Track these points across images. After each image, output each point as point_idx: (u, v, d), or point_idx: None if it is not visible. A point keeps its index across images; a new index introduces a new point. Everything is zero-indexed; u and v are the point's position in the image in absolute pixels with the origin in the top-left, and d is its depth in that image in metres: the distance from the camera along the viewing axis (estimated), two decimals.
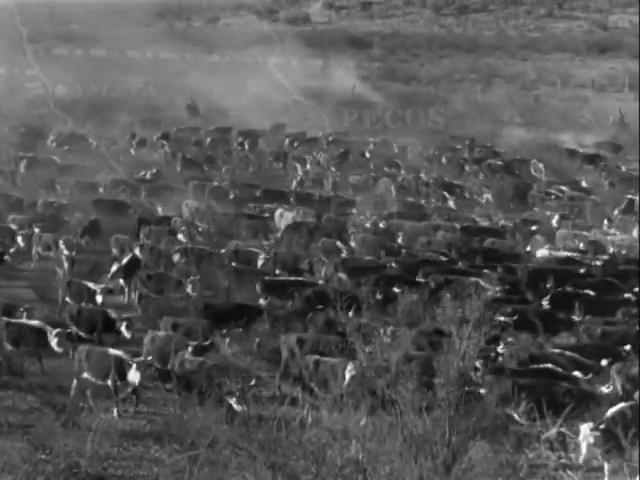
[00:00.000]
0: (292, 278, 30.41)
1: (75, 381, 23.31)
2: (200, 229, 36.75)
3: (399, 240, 35.79)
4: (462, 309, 19.87)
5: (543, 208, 42.23)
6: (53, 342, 24.43)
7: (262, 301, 28.85)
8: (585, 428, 19.61)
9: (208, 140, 54.52)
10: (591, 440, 19.38)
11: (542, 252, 34.76)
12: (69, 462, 19.12)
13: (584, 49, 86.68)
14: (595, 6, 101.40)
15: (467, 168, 49.60)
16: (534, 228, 37.75)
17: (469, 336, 18.81)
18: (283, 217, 38.01)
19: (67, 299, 28.69)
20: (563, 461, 19.62)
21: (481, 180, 47.36)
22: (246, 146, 53.47)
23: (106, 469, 20.04)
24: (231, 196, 41.92)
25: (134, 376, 22.47)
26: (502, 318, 26.33)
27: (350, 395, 21.39)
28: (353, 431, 18.35)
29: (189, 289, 29.33)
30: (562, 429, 19.96)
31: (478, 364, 22.92)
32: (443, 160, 51.29)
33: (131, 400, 23.28)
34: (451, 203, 42.77)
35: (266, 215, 39.06)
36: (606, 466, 19.82)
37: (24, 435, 21.16)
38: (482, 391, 21.31)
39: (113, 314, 26.29)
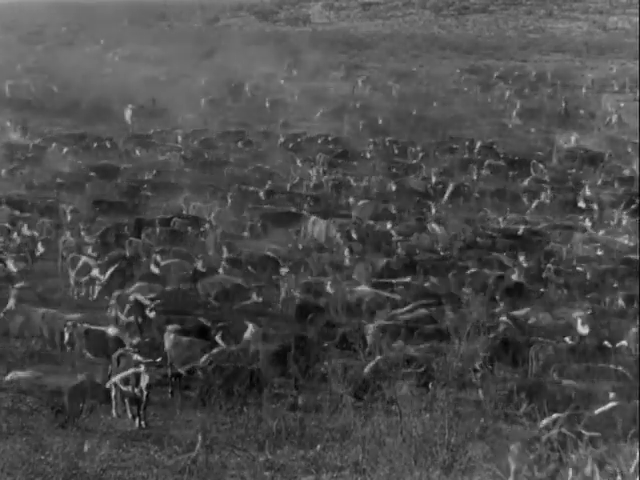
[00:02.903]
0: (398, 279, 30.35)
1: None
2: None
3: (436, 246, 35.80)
4: None
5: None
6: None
7: None
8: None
9: (195, 142, 54.00)
10: None
11: None
12: (68, 463, 19.08)
13: (584, 50, 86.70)
14: (595, 7, 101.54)
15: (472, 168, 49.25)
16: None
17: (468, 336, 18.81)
18: (316, 224, 37.46)
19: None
20: (563, 461, 19.49)
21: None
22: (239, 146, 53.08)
23: (105, 470, 19.95)
24: (229, 198, 41.82)
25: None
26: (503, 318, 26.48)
27: None
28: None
29: (254, 296, 28.93)
30: (562, 429, 19.83)
31: (477, 366, 22.90)
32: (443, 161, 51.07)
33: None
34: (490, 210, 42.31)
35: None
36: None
37: (23, 436, 21.12)
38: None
39: (208, 323, 25.69)
